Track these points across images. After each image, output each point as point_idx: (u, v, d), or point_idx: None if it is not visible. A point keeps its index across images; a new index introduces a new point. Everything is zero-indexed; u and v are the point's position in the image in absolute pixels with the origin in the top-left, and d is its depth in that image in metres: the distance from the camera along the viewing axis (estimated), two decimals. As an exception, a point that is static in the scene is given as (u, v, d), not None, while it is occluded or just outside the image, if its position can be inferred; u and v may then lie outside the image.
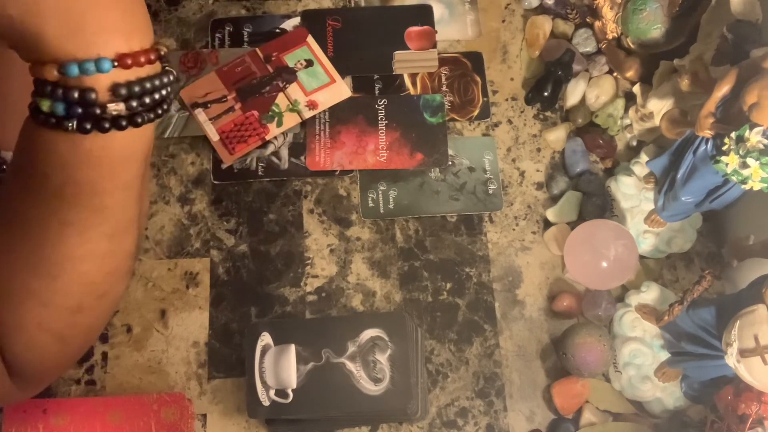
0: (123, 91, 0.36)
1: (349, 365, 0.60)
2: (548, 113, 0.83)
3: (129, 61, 0.35)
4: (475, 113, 0.83)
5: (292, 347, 0.60)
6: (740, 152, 0.58)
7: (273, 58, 0.82)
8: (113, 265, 0.43)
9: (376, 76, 0.84)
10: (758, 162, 0.57)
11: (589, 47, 0.83)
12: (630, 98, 0.80)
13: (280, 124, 0.80)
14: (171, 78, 0.39)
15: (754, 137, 0.57)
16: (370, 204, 0.79)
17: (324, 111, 0.81)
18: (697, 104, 0.65)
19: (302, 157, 0.80)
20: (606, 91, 0.80)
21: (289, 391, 0.60)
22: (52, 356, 0.46)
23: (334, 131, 0.81)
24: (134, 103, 0.36)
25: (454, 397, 0.73)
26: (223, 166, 0.80)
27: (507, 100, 0.84)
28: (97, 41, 0.35)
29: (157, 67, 0.38)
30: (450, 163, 0.80)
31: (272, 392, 0.60)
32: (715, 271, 0.66)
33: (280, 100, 0.80)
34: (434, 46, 0.84)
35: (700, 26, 0.71)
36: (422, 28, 0.85)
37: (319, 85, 0.81)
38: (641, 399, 0.71)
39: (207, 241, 0.78)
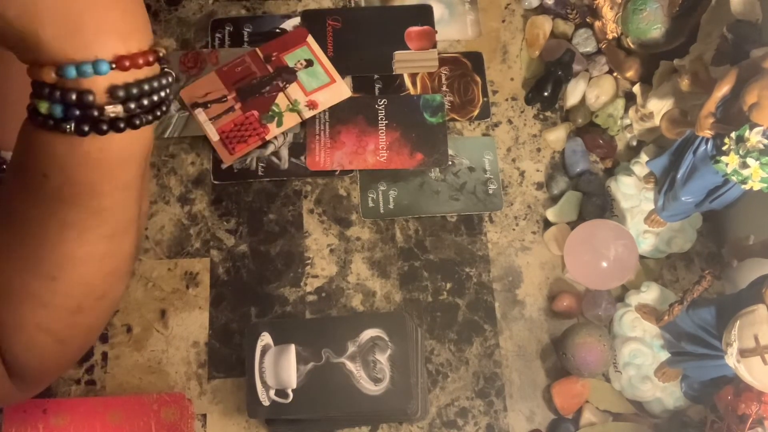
0: (121, 93, 0.36)
1: (349, 365, 0.60)
2: (548, 113, 0.83)
3: (127, 63, 0.35)
4: (475, 113, 0.83)
5: (292, 347, 0.60)
6: (740, 152, 0.58)
7: (273, 58, 0.82)
8: (112, 266, 0.43)
9: (376, 76, 0.84)
10: (758, 162, 0.57)
11: (589, 47, 0.83)
12: (630, 98, 0.80)
13: (280, 124, 0.80)
14: (170, 80, 0.39)
15: (754, 137, 0.57)
16: (370, 204, 0.79)
17: (324, 111, 0.81)
18: (697, 104, 0.65)
19: (302, 157, 0.80)
20: (606, 91, 0.80)
21: (289, 391, 0.60)
22: (52, 357, 0.46)
23: (334, 131, 0.81)
24: (132, 105, 0.36)
25: (454, 397, 0.73)
26: (223, 166, 0.80)
27: (507, 100, 0.84)
28: (95, 43, 0.34)
29: (155, 68, 0.38)
30: (450, 163, 0.80)
31: (272, 392, 0.60)
32: (715, 271, 0.66)
33: (280, 100, 0.80)
34: (434, 46, 0.84)
35: (700, 26, 0.71)
36: (422, 28, 0.85)
37: (319, 85, 0.81)
38: (641, 399, 0.71)
39: (207, 241, 0.78)
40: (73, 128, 0.35)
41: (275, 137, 0.80)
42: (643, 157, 0.75)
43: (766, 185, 0.58)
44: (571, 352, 0.70)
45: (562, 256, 0.75)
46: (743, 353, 0.55)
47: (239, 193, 0.80)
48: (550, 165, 0.81)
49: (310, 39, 0.83)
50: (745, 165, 0.58)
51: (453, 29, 0.86)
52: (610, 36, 0.81)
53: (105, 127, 0.36)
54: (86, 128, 0.35)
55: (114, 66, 0.35)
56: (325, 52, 0.83)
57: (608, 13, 0.80)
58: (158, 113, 0.38)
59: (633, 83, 0.79)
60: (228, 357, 0.74)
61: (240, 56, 0.82)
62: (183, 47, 0.85)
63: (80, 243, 0.40)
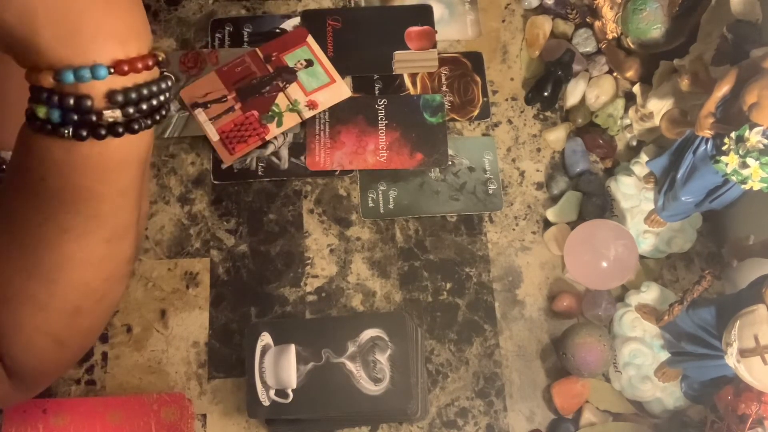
0: (119, 98, 0.35)
1: (349, 365, 0.60)
2: (548, 113, 0.83)
3: (126, 68, 0.35)
4: (475, 113, 0.83)
5: (292, 347, 0.60)
6: (740, 152, 0.58)
7: (273, 58, 0.82)
8: (111, 269, 0.43)
9: (376, 76, 0.84)
10: (758, 162, 0.57)
11: (589, 47, 0.83)
12: (630, 98, 0.80)
13: (280, 124, 0.80)
14: (169, 84, 0.38)
15: (753, 137, 0.57)
16: (370, 204, 0.79)
17: (324, 111, 0.81)
18: (697, 104, 0.65)
19: (302, 157, 0.80)
20: (606, 91, 0.80)
21: (289, 391, 0.60)
22: (51, 359, 0.45)
23: (334, 131, 0.81)
24: (131, 110, 0.36)
25: (454, 397, 0.73)
26: (223, 166, 0.80)
27: (507, 100, 0.84)
28: (93, 47, 0.34)
29: (155, 72, 0.38)
30: (450, 163, 0.80)
31: (272, 392, 0.60)
32: (715, 271, 0.66)
33: (280, 100, 0.80)
34: (434, 46, 0.84)
35: (700, 26, 0.71)
36: (422, 28, 0.85)
37: (319, 85, 0.81)
38: (641, 399, 0.71)
39: (207, 241, 0.78)
40: (71, 133, 0.35)
41: (275, 137, 0.80)
42: (643, 157, 0.75)
43: (766, 185, 0.58)
44: (571, 352, 0.70)
45: (562, 256, 0.75)
46: (743, 353, 0.55)
47: (239, 193, 0.80)
48: (550, 165, 0.81)
49: (310, 39, 0.83)
50: (744, 165, 0.58)
51: (453, 29, 0.86)
52: (610, 36, 0.81)
53: (103, 132, 0.35)
54: (84, 133, 0.35)
55: (112, 71, 0.35)
56: (325, 52, 0.83)
57: (608, 13, 0.80)
58: (157, 117, 0.38)
59: (633, 83, 0.79)
60: (228, 357, 0.74)
61: (240, 56, 0.82)
62: (183, 47, 0.85)
63: (78, 246, 0.40)
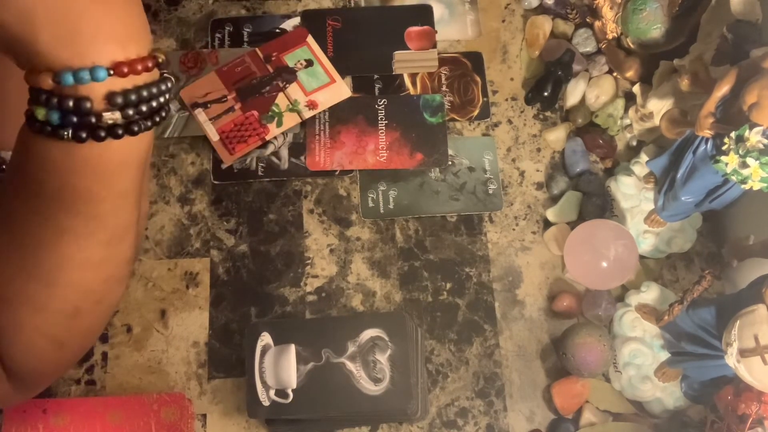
0: (119, 100, 0.35)
1: (349, 365, 0.60)
2: (548, 113, 0.83)
3: (125, 69, 0.35)
4: (475, 113, 0.83)
5: (292, 347, 0.60)
6: (740, 152, 0.58)
7: (273, 58, 0.82)
8: (110, 271, 0.43)
9: (376, 76, 0.84)
10: (758, 162, 0.57)
11: (589, 47, 0.83)
12: (630, 98, 0.80)
13: (280, 124, 0.80)
14: (169, 85, 0.38)
15: (753, 137, 0.57)
16: (370, 204, 0.79)
17: (324, 111, 0.81)
18: (697, 104, 0.65)
19: (302, 157, 0.80)
20: (606, 91, 0.80)
21: (289, 391, 0.60)
22: (50, 360, 0.45)
23: (334, 131, 0.81)
24: (131, 112, 0.36)
25: (454, 397, 0.73)
26: (223, 166, 0.80)
27: (507, 100, 0.84)
28: (93, 49, 0.34)
29: (154, 74, 0.37)
30: (450, 163, 0.80)
31: (272, 392, 0.60)
32: (715, 271, 0.66)
33: (280, 100, 0.80)
34: (434, 46, 0.84)
35: (700, 26, 0.71)
36: (422, 28, 0.85)
37: (319, 85, 0.81)
38: (641, 399, 0.71)
39: (207, 241, 0.78)
40: (70, 135, 0.35)
41: (275, 137, 0.80)
42: (643, 157, 0.75)
43: (765, 185, 0.58)
44: (571, 352, 0.70)
45: (562, 256, 0.75)
46: (743, 353, 0.55)
47: (239, 193, 0.80)
48: (550, 165, 0.81)
49: (310, 39, 0.83)
50: (744, 165, 0.58)
51: (453, 29, 0.86)
52: (610, 36, 0.81)
53: (103, 134, 0.35)
54: (84, 135, 0.35)
55: (112, 72, 0.34)
56: (325, 52, 0.83)
57: (608, 13, 0.80)
58: (157, 119, 0.38)
59: (633, 83, 0.79)
60: (228, 357, 0.74)
61: (240, 56, 0.82)
62: (183, 47, 0.85)
63: (78, 248, 0.40)
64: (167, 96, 0.39)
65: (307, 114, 0.80)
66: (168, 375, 0.73)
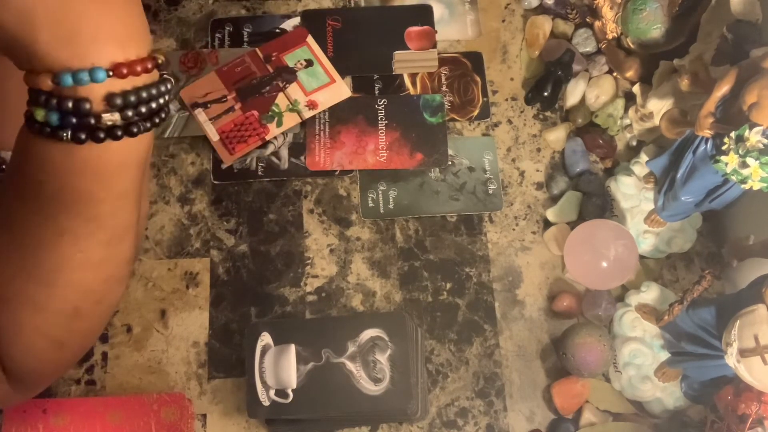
0: (118, 101, 0.35)
1: (349, 365, 0.60)
2: (548, 113, 0.83)
3: (125, 71, 0.35)
4: (475, 113, 0.83)
5: (292, 347, 0.60)
6: (740, 152, 0.58)
7: (273, 58, 0.82)
8: (110, 271, 0.43)
9: (376, 76, 0.84)
10: (758, 162, 0.57)
11: (589, 47, 0.83)
12: (630, 98, 0.80)
13: (280, 124, 0.80)
14: (168, 86, 0.38)
15: (753, 137, 0.57)
16: (370, 204, 0.79)
17: (324, 111, 0.81)
18: (697, 104, 0.65)
19: (302, 157, 0.80)
20: (606, 91, 0.80)
21: (289, 391, 0.60)
22: (50, 360, 0.45)
23: (334, 131, 0.81)
24: (130, 113, 0.36)
25: (454, 397, 0.73)
26: (223, 166, 0.80)
27: (507, 100, 0.84)
28: (92, 50, 0.34)
29: (154, 75, 0.37)
30: (450, 163, 0.80)
31: (272, 392, 0.60)
32: (715, 271, 0.66)
33: (280, 100, 0.80)
34: (434, 46, 0.84)
35: (700, 26, 0.71)
36: (422, 28, 0.85)
37: (319, 85, 0.81)
38: (641, 399, 0.71)
39: (207, 241, 0.78)
40: (69, 136, 0.35)
41: (275, 137, 0.80)
42: (643, 157, 0.75)
43: (765, 185, 0.58)
44: (571, 352, 0.70)
45: (562, 256, 0.75)
46: (743, 353, 0.55)
47: (239, 193, 0.80)
48: (550, 165, 0.81)
49: (310, 39, 0.83)
50: (744, 165, 0.58)
51: (453, 29, 0.86)
52: (610, 36, 0.81)
53: (102, 135, 0.35)
54: (83, 136, 0.35)
55: (111, 73, 0.34)
56: (325, 52, 0.83)
57: (608, 13, 0.80)
58: (156, 120, 0.38)
59: (633, 83, 0.79)
60: (228, 357, 0.74)
61: (240, 56, 0.82)
62: (183, 47, 0.85)
63: (77, 248, 0.40)
64: (167, 97, 0.39)
65: (307, 114, 0.80)
66: (168, 375, 0.73)
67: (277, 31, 0.85)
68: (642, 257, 0.76)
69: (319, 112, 0.81)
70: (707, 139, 0.63)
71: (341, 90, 0.81)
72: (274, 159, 0.80)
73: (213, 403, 0.72)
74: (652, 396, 0.70)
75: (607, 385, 0.72)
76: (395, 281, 0.77)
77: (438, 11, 0.86)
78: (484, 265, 0.77)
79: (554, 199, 0.79)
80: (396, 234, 0.78)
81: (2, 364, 0.44)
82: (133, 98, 0.36)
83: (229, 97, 0.80)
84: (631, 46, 0.79)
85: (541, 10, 0.86)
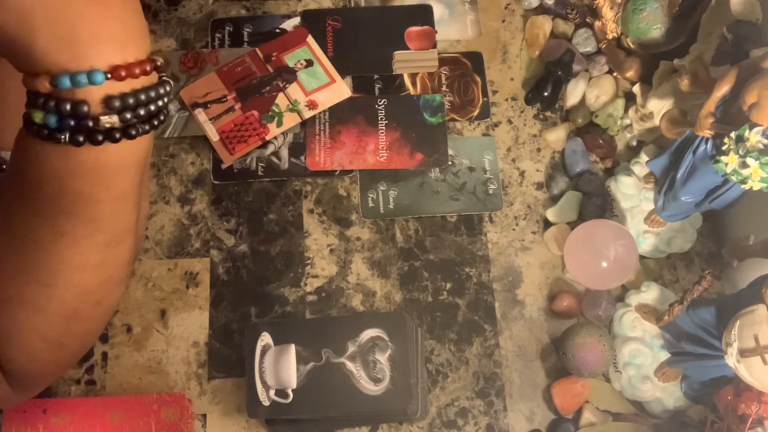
0: (116, 104, 0.35)
1: (349, 365, 0.60)
2: (548, 113, 0.83)
3: (123, 73, 0.35)
4: (475, 113, 0.83)
5: (292, 347, 0.60)
6: (740, 152, 0.58)
7: (273, 58, 0.82)
8: (108, 273, 0.42)
9: (376, 76, 0.84)
10: (758, 162, 0.57)
11: (589, 47, 0.83)
12: (630, 98, 0.80)
13: (280, 124, 0.80)
14: (167, 89, 0.38)
15: (753, 137, 0.57)
16: (370, 204, 0.79)
17: (324, 111, 0.81)
18: (697, 104, 0.65)
19: (302, 157, 0.80)
20: (606, 91, 0.80)
21: (289, 391, 0.60)
22: (49, 361, 0.45)
23: (334, 131, 0.81)
24: (128, 115, 0.36)
25: (454, 397, 0.73)
26: (223, 166, 0.80)
27: (507, 100, 0.84)
28: (90, 53, 0.34)
29: (153, 77, 0.37)
30: (450, 163, 0.80)
31: (272, 392, 0.60)
32: (715, 271, 0.66)
33: (280, 100, 0.80)
34: (434, 46, 0.84)
35: (700, 26, 0.71)
36: (422, 28, 0.85)
37: (319, 85, 0.81)
38: (641, 399, 0.71)
39: (207, 241, 0.78)
40: (67, 138, 0.35)
41: (275, 137, 0.80)
42: (643, 157, 0.75)
43: (765, 185, 0.58)
44: (571, 352, 0.70)
45: (562, 256, 0.75)
46: (743, 353, 0.55)
47: (239, 193, 0.80)
48: (550, 165, 0.81)
49: (310, 39, 0.83)
50: (744, 165, 0.58)
51: (453, 29, 0.86)
52: (610, 36, 0.81)
53: (100, 138, 0.35)
54: (81, 139, 0.35)
55: (110, 76, 0.34)
56: (325, 52, 0.83)
57: (608, 13, 0.80)
58: (155, 123, 0.38)
59: (633, 83, 0.79)
60: (228, 357, 0.74)
61: (240, 56, 0.82)
62: (183, 47, 0.85)
63: (75, 251, 0.39)
64: (165, 100, 0.38)
65: (307, 114, 0.80)
66: (168, 375, 0.73)
67: (277, 31, 0.85)
68: (642, 257, 0.76)
69: (319, 112, 0.81)
70: (707, 140, 0.63)
71: (341, 90, 0.81)
72: (274, 159, 0.80)
73: (213, 403, 0.72)
74: (652, 396, 0.70)
75: (607, 385, 0.72)
76: (395, 281, 0.77)
77: (438, 11, 0.86)
78: (484, 265, 0.77)
79: (554, 199, 0.79)
80: (396, 234, 0.78)
81: (1, 365, 0.44)
82: (131, 101, 0.36)
83: (229, 97, 0.80)
84: (631, 46, 0.79)
85: (541, 10, 0.86)
